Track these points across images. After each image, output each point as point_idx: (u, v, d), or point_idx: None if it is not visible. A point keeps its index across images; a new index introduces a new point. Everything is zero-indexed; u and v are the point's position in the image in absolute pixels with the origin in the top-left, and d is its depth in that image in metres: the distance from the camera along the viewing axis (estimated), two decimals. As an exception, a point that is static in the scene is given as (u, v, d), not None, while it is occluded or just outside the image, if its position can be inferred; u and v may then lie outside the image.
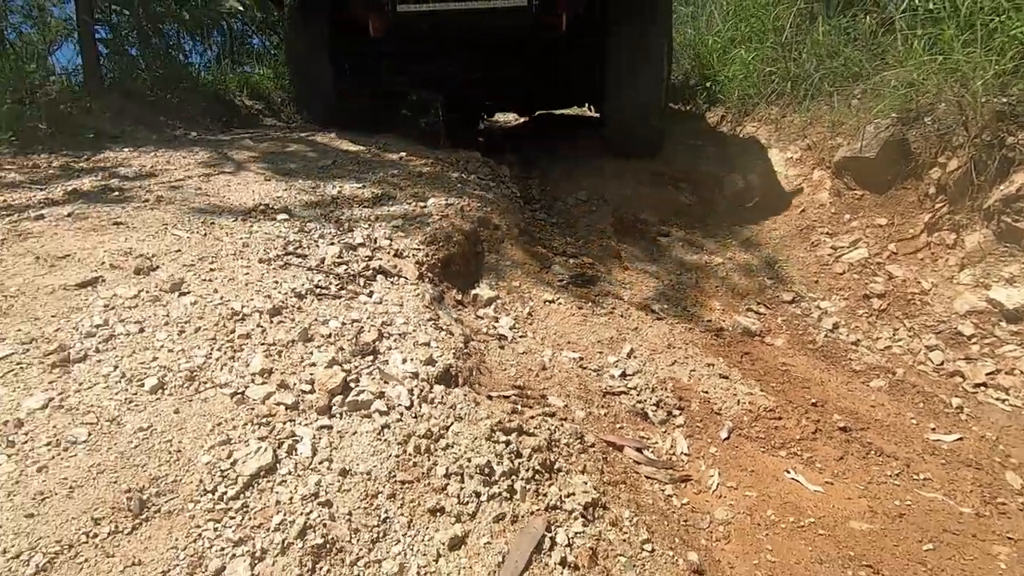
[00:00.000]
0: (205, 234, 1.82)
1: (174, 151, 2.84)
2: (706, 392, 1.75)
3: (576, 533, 0.92)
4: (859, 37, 3.60)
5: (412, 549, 0.81)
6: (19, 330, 1.12)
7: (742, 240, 3.08)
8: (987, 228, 2.45)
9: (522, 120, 6.14)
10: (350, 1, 2.99)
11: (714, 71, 4.75)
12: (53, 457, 0.81)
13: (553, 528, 0.91)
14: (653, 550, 0.97)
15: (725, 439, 1.53)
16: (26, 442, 0.83)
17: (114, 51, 3.59)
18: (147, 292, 1.35)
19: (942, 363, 2.10)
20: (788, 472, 1.38)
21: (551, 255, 2.64)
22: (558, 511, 0.96)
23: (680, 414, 1.63)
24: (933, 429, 1.64)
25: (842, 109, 3.39)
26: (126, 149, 2.85)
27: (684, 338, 2.14)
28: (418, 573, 0.78)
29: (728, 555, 1.06)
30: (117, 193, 2.12)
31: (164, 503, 0.78)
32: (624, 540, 0.97)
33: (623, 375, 1.81)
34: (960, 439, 1.59)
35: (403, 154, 3.27)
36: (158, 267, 1.52)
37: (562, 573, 0.84)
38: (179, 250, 1.66)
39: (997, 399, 1.86)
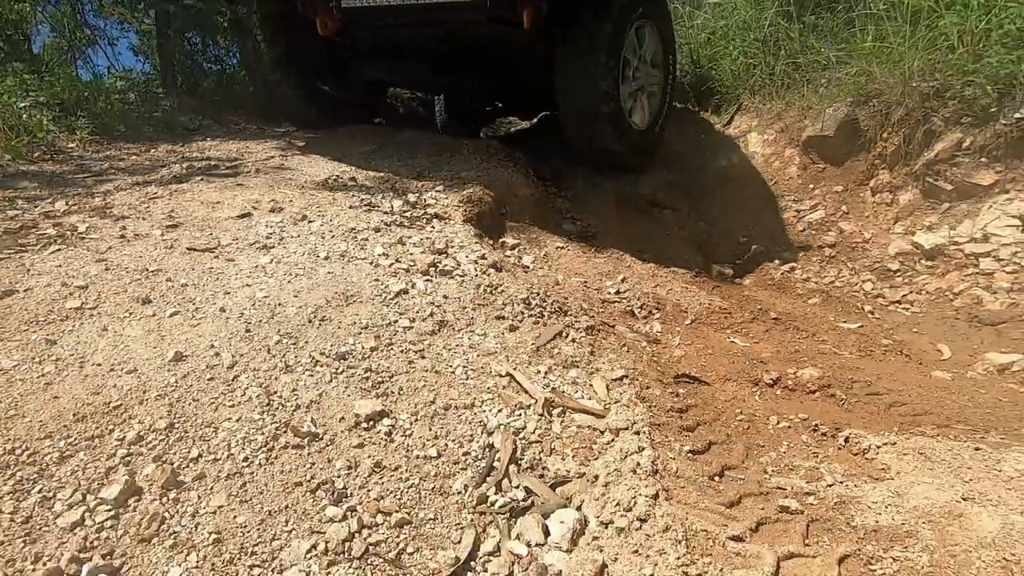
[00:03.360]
0: (303, 192, 2.55)
1: (248, 141, 3.58)
2: (678, 301, 2.44)
3: (581, 336, 1.63)
4: (827, 33, 4.28)
5: (489, 330, 1.51)
6: (225, 234, 1.84)
7: (723, 209, 3.78)
8: (916, 188, 3.14)
9: (528, 124, 6.86)
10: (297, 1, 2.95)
11: (705, 66, 5.45)
12: (290, 280, 1.53)
13: (567, 330, 1.61)
14: (628, 350, 1.67)
15: (688, 324, 2.22)
16: (274, 274, 1.55)
17: (184, 58, 4.37)
18: (287, 219, 2.07)
19: (871, 289, 2.77)
20: (729, 338, 2.06)
21: (561, 219, 3.35)
22: (570, 327, 1.66)
23: (658, 313, 2.32)
24: (844, 322, 2.32)
25: (811, 96, 4.07)
26: (208, 139, 3.59)
27: (668, 275, 2.83)
28: (495, 337, 1.48)
29: (678, 362, 1.75)
30: (225, 169, 2.86)
31: (357, 299, 1.49)
32: (610, 347, 1.67)
33: (617, 292, 2.50)
34: (860, 326, 2.28)
35: (432, 144, 3.99)
36: (284, 208, 2.25)
37: (570, 346, 1.54)
38: (291, 201, 2.39)
39: (903, 309, 2.53)
